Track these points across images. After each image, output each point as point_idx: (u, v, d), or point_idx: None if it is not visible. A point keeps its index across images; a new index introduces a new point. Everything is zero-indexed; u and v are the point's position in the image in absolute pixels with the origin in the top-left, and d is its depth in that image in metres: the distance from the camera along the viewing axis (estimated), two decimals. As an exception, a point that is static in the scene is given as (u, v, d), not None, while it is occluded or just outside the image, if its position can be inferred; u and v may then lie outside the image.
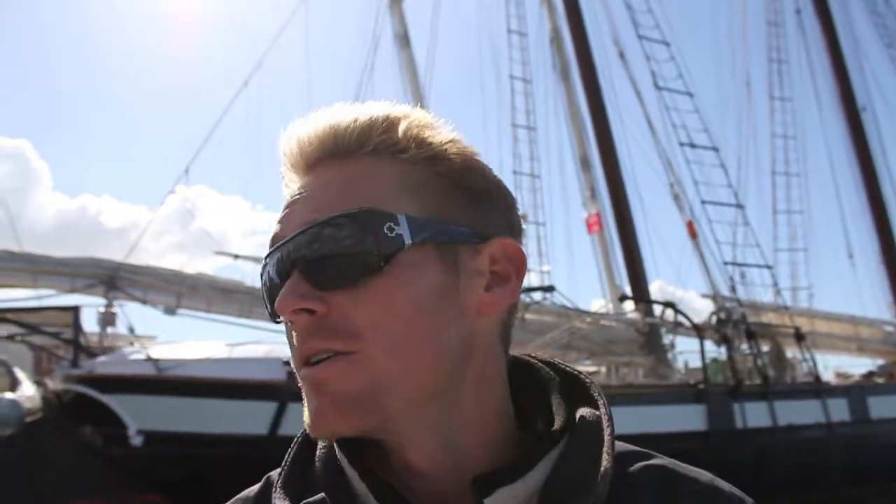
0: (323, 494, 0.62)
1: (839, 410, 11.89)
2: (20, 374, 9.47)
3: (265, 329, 10.35)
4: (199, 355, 8.87)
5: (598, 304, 15.20)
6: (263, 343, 9.63)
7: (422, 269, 0.60)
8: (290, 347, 0.62)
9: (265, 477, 0.71)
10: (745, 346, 12.61)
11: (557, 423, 0.63)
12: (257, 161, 29.58)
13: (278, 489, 0.65)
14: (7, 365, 9.47)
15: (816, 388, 12.20)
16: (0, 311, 9.63)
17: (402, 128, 0.64)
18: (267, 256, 0.63)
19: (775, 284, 15.26)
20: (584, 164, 15.93)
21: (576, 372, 0.69)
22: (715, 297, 13.51)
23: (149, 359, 8.54)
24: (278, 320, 0.62)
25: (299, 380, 0.61)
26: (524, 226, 0.72)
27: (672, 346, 13.52)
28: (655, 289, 16.22)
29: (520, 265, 0.65)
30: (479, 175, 0.66)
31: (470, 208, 0.64)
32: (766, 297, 15.03)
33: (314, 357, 0.59)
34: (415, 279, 0.60)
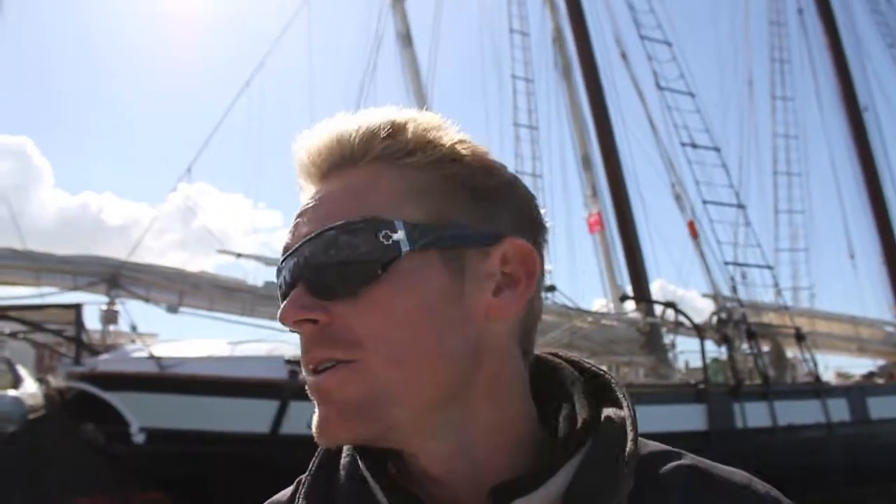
0: None
1: (839, 411, 11.91)
2: (23, 372, 9.51)
3: (267, 328, 10.40)
4: (202, 353, 8.90)
5: (599, 303, 15.23)
6: (265, 341, 9.68)
7: (423, 276, 0.59)
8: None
9: (296, 481, 0.71)
10: (745, 346, 12.64)
11: (580, 425, 0.62)
12: (259, 159, 29.64)
13: (301, 497, 0.66)
14: (10, 362, 9.52)
15: (816, 389, 12.22)
16: (2, 308, 9.66)
17: (405, 133, 0.63)
18: (279, 266, 0.64)
19: (776, 285, 15.29)
20: (586, 163, 15.94)
21: (601, 372, 0.68)
22: (716, 297, 13.53)
23: (151, 357, 8.56)
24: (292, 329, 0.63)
25: (308, 388, 0.61)
26: (547, 222, 0.70)
27: (673, 345, 13.56)
28: (657, 288, 16.25)
29: (532, 266, 0.63)
30: (489, 175, 0.65)
31: (479, 209, 0.63)
32: (766, 297, 15.07)
33: (319, 365, 0.59)
34: (416, 286, 0.59)
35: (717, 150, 15.12)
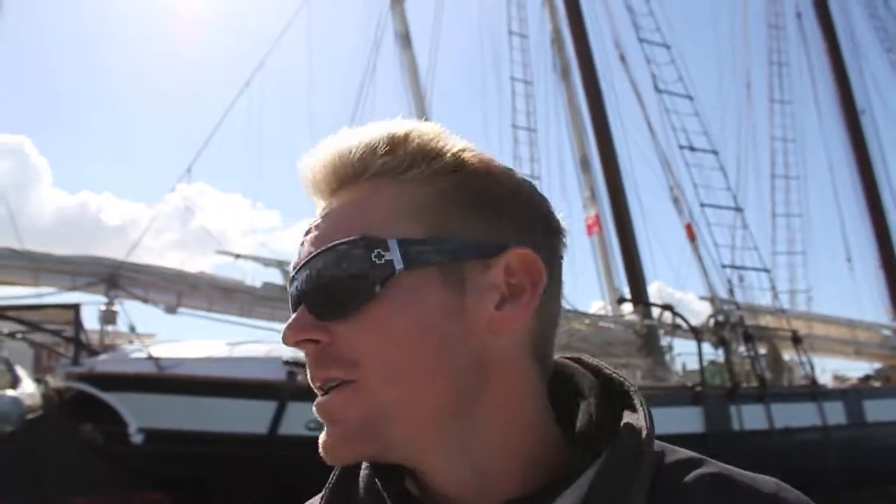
0: None
1: (835, 414, 11.95)
2: (21, 372, 9.50)
3: (266, 328, 10.42)
4: (200, 354, 8.91)
5: (596, 305, 15.26)
6: (264, 342, 9.67)
7: (421, 293, 0.59)
8: None
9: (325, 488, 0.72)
10: (742, 349, 12.67)
11: (596, 435, 0.61)
12: (258, 160, 29.62)
13: None
14: (8, 362, 9.51)
15: (813, 392, 12.26)
16: (1, 308, 9.66)
17: (405, 146, 0.62)
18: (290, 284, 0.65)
19: (773, 288, 15.33)
20: (584, 165, 15.98)
21: (620, 379, 0.66)
22: (713, 299, 13.55)
23: (150, 357, 8.57)
24: None
25: (314, 408, 0.61)
26: (562, 225, 0.68)
27: (670, 348, 13.59)
28: (654, 290, 16.27)
29: (536, 275, 0.61)
30: (492, 184, 0.63)
31: (481, 220, 0.61)
32: (763, 300, 15.09)
33: (325, 384, 0.60)
34: (413, 304, 0.58)
35: (714, 152, 15.18)
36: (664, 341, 13.45)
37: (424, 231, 0.60)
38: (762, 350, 13.15)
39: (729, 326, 12.64)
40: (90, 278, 9.95)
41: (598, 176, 15.52)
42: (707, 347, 12.45)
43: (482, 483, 0.60)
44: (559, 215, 0.67)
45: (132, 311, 10.24)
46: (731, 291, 13.81)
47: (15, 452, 8.08)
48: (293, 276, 0.63)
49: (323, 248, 0.60)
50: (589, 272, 15.74)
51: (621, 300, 14.29)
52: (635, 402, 0.63)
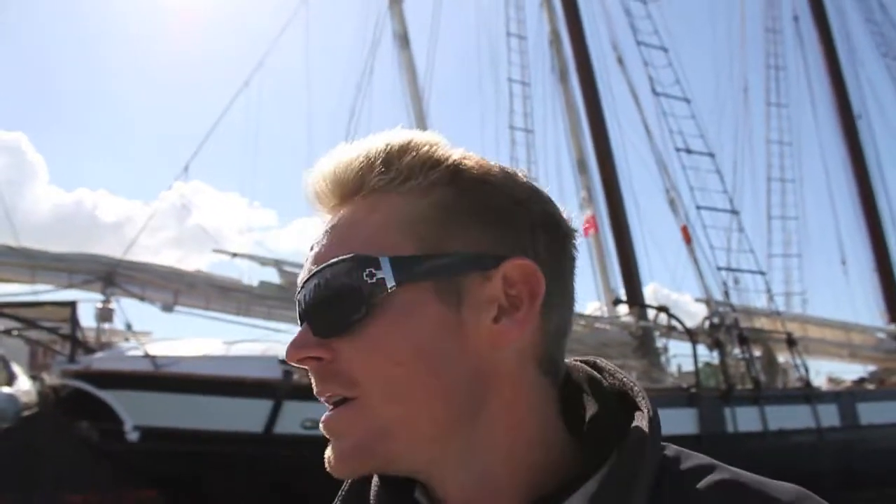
0: None
1: (829, 416, 12.01)
2: (17, 369, 9.50)
3: (262, 327, 10.44)
4: (196, 352, 8.93)
5: (592, 306, 15.29)
6: (260, 341, 9.71)
7: (416, 310, 0.59)
8: None
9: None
10: (737, 351, 12.73)
11: (603, 443, 0.60)
12: (255, 158, 29.62)
13: None
14: (4, 359, 9.50)
15: (807, 394, 12.33)
16: (-3, 305, 9.67)
17: (402, 159, 0.62)
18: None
19: (768, 290, 15.38)
20: (581, 166, 16.03)
21: (631, 383, 0.65)
22: (708, 301, 13.60)
23: (146, 355, 8.59)
24: None
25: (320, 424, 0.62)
26: (571, 227, 0.66)
27: (665, 349, 13.64)
28: (650, 292, 16.32)
29: (535, 286, 0.60)
30: (491, 194, 0.62)
31: (479, 230, 0.61)
32: (759, 302, 15.15)
33: (331, 399, 0.61)
34: (407, 321, 0.58)
35: (711, 155, 15.24)
36: (659, 343, 13.50)
37: (420, 246, 0.60)
38: (757, 352, 13.20)
39: (724, 328, 12.70)
40: (87, 276, 9.94)
41: (594, 177, 15.59)
42: (702, 349, 12.52)
43: (488, 492, 0.60)
44: (567, 216, 0.66)
45: (129, 309, 10.23)
46: (726, 294, 13.87)
47: (10, 449, 8.08)
48: (298, 293, 0.63)
49: (320, 266, 0.60)
50: (585, 273, 15.76)
51: (617, 301, 14.35)
52: (643, 408, 0.62)
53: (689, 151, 14.89)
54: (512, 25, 17.33)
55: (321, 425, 0.61)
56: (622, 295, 14.59)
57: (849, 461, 11.24)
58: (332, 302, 0.59)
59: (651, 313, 13.45)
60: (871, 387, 15.00)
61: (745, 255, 15.18)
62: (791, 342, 13.27)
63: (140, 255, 11.47)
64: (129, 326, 9.95)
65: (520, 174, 0.66)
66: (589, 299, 15.13)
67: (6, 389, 8.49)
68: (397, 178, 0.61)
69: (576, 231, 0.66)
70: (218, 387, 8.36)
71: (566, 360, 0.68)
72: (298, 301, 0.62)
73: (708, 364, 12.89)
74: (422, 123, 14.52)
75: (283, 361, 8.48)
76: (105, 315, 10.13)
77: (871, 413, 12.58)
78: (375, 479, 0.66)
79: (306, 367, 0.61)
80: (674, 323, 12.65)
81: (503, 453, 0.60)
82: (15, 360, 9.78)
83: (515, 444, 0.60)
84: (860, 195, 19.32)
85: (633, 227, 15.15)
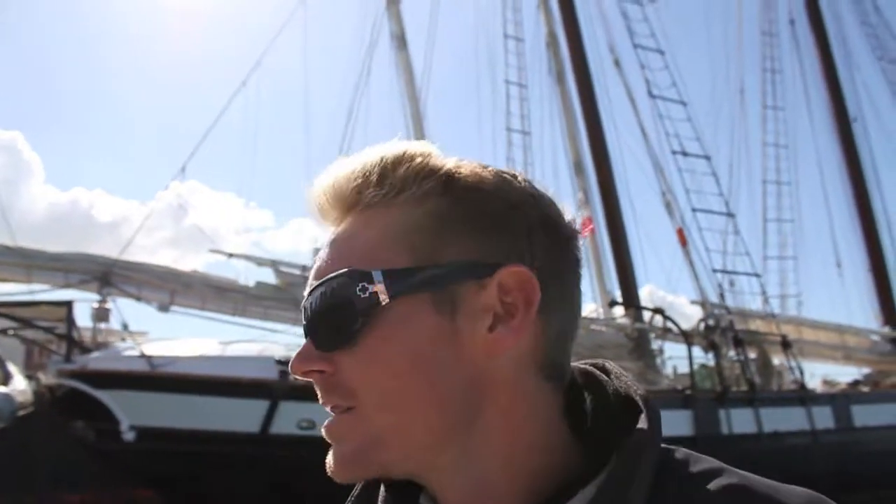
0: None
1: (824, 418, 12.04)
2: (12, 368, 9.49)
3: (259, 328, 10.44)
4: (193, 352, 8.93)
5: (588, 308, 15.31)
6: (257, 341, 9.72)
7: (410, 321, 0.60)
8: None
9: None
10: (732, 353, 12.77)
11: (607, 444, 0.61)
12: (253, 159, 29.61)
13: None
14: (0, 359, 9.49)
15: (801, 396, 12.36)
16: (-7, 304, 9.66)
17: (394, 174, 0.63)
18: None
19: (764, 292, 15.42)
20: (578, 168, 16.06)
21: (635, 387, 0.65)
22: (704, 303, 13.64)
23: (142, 355, 8.59)
24: None
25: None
26: (574, 229, 0.66)
27: (661, 351, 13.67)
28: (646, 293, 16.36)
29: (530, 293, 0.60)
30: (485, 199, 0.62)
31: (474, 239, 0.61)
32: (754, 304, 15.19)
33: (335, 411, 0.62)
34: (401, 333, 0.59)
35: (707, 158, 15.30)
36: (655, 345, 13.54)
37: (414, 257, 0.60)
38: (752, 354, 13.24)
39: (719, 330, 12.74)
40: (83, 276, 9.93)
41: (591, 179, 15.63)
42: (697, 351, 12.56)
43: (487, 497, 0.61)
44: (571, 218, 0.66)
45: (125, 309, 10.22)
46: (721, 296, 13.91)
47: (6, 449, 8.09)
48: (302, 306, 0.65)
49: (319, 281, 0.62)
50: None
51: (613, 303, 14.38)
52: (645, 412, 0.62)
53: (685, 154, 14.94)
54: (509, 27, 17.38)
55: (323, 430, 0.63)
56: (618, 297, 14.63)
57: (843, 463, 11.27)
58: (330, 316, 0.61)
59: (647, 315, 13.48)
60: (865, 389, 15.05)
61: (740, 257, 15.24)
62: (786, 344, 13.31)
63: (136, 255, 11.48)
64: (125, 326, 9.92)
65: (518, 178, 0.66)
66: (585, 301, 15.15)
67: (2, 389, 8.47)
68: (391, 191, 0.62)
69: (578, 232, 0.66)
70: (214, 387, 8.37)
71: (576, 364, 0.68)
72: (303, 314, 0.64)
73: (703, 366, 12.93)
74: (419, 125, 14.54)
75: (279, 362, 8.52)
76: (101, 315, 10.12)
77: (865, 415, 12.62)
78: (382, 485, 0.67)
79: (311, 380, 0.63)
80: (669, 325, 12.68)
81: (501, 459, 0.61)
82: (11, 359, 9.76)
83: (514, 450, 0.61)
84: (855, 198, 19.38)
85: (629, 229, 15.22)
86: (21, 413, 8.39)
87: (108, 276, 9.95)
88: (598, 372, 0.67)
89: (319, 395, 0.63)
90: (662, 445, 0.62)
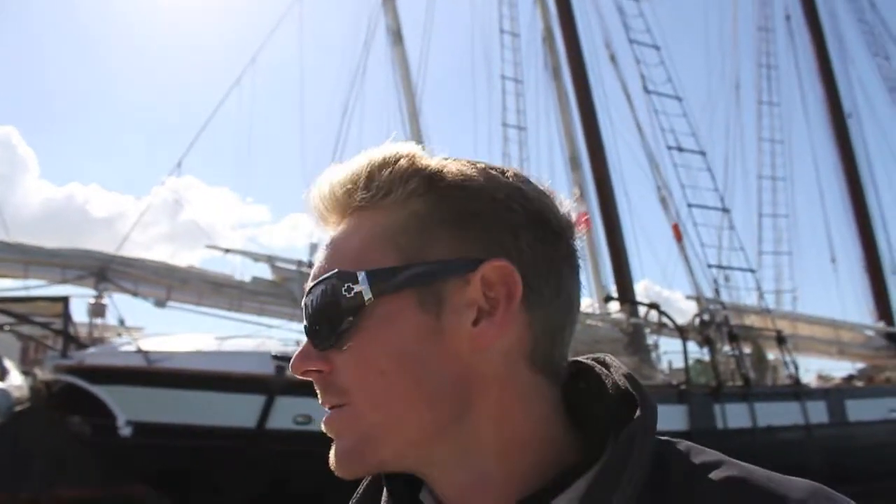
0: None
1: (818, 413, 12.10)
2: (8, 364, 9.50)
3: (255, 323, 10.46)
4: (189, 348, 8.93)
5: (583, 303, 15.30)
6: (253, 337, 9.73)
7: (396, 320, 0.61)
8: None
9: None
10: (727, 348, 12.82)
11: (604, 436, 0.62)
12: (248, 154, 29.55)
13: None
14: (-5, 354, 9.50)
15: (796, 391, 12.41)
16: (-11, 299, 9.65)
17: (382, 174, 0.64)
18: None
19: (759, 287, 15.48)
20: (574, 163, 16.08)
21: (634, 381, 0.65)
22: (699, 298, 13.68)
23: (139, 350, 8.59)
24: None
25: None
26: (567, 221, 0.67)
27: (656, 346, 13.72)
28: (641, 288, 16.43)
29: (512, 287, 0.61)
30: (469, 196, 0.63)
31: (457, 236, 0.62)
32: (749, 299, 15.25)
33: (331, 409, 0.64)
34: (387, 332, 0.61)
35: (702, 153, 15.32)
36: (650, 339, 13.58)
37: (401, 257, 0.62)
38: (747, 349, 13.29)
39: (714, 326, 12.79)
40: (80, 271, 9.93)
41: (586, 174, 15.65)
42: (692, 346, 12.62)
43: (482, 490, 0.62)
44: (565, 211, 0.67)
45: (121, 305, 10.24)
46: (716, 291, 13.95)
47: (2, 445, 8.08)
48: (303, 306, 0.67)
49: (314, 283, 0.64)
50: (576, 270, 15.79)
51: (608, 298, 14.41)
52: (641, 405, 0.62)
53: (680, 149, 14.96)
54: (505, 22, 17.40)
55: (323, 425, 0.65)
56: (613, 291, 14.67)
57: (837, 457, 11.33)
58: (322, 316, 0.63)
59: (642, 310, 13.52)
60: (859, 384, 15.13)
61: (735, 252, 15.31)
62: (781, 339, 13.37)
63: (132, 251, 11.53)
64: (121, 322, 9.95)
65: (507, 173, 0.66)
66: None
67: (-2, 384, 8.50)
68: (378, 193, 0.64)
69: (574, 225, 0.67)
70: (210, 382, 8.37)
71: (579, 359, 0.69)
72: (303, 314, 0.66)
73: (698, 361, 13.00)
74: (414, 120, 14.55)
75: (275, 357, 8.53)
76: (97, 310, 10.13)
77: (859, 410, 12.69)
78: (384, 479, 0.69)
79: (311, 380, 0.65)
80: (664, 320, 12.71)
81: (496, 452, 0.62)
82: (7, 355, 9.79)
83: (508, 443, 0.62)
84: (850, 193, 19.43)
85: (624, 224, 15.28)
86: (17, 408, 8.42)
87: (104, 271, 9.96)
88: (597, 366, 0.68)
89: (319, 395, 0.65)
90: (665, 438, 0.63)
